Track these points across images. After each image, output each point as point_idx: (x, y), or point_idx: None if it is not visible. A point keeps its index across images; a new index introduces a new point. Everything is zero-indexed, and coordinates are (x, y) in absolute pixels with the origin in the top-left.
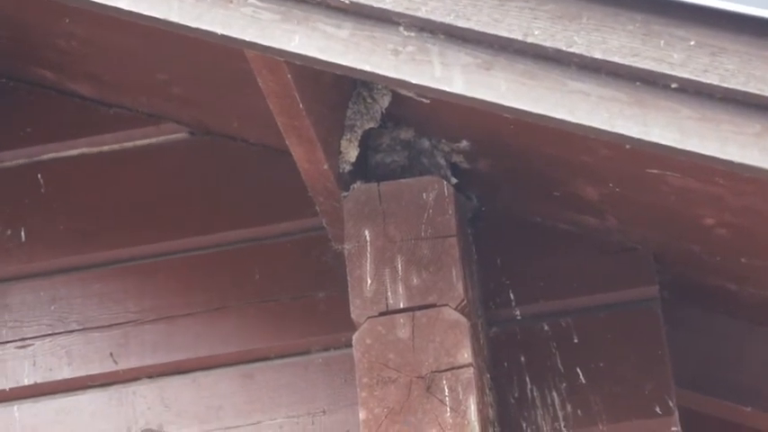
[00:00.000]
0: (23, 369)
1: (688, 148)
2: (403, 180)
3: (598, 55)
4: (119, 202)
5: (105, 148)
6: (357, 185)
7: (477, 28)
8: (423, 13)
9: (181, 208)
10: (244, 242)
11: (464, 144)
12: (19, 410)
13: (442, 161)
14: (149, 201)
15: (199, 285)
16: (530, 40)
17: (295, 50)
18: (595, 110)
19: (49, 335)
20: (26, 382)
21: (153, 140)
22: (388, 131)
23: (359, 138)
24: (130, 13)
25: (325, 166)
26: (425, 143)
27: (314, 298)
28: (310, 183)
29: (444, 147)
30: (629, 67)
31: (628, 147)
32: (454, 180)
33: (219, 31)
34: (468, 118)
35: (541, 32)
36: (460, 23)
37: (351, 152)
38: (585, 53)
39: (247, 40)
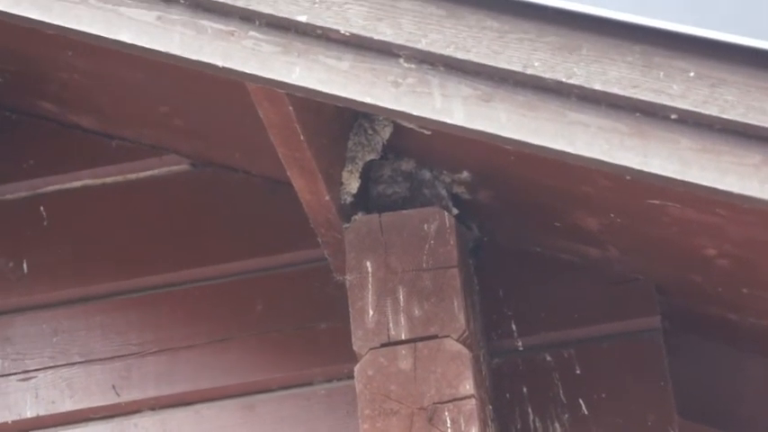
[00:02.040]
0: (26, 402)
1: (688, 179)
2: (404, 211)
3: (598, 86)
4: (121, 234)
5: (108, 179)
6: (358, 217)
7: (476, 60)
8: (423, 45)
9: (183, 239)
10: (246, 273)
11: (465, 175)
12: None
13: (444, 192)
14: (152, 232)
15: (201, 317)
16: (529, 71)
17: (296, 83)
18: (595, 141)
19: (51, 367)
20: (29, 414)
21: (155, 172)
22: (390, 163)
23: (360, 169)
24: (132, 45)
25: (327, 198)
26: (426, 174)
27: (316, 329)
28: (312, 214)
29: (445, 178)
30: (629, 99)
31: (628, 178)
32: (455, 211)
33: (221, 63)
34: (469, 149)
35: (541, 64)
36: (460, 55)
37: (352, 183)
38: (585, 84)
39: (248, 72)
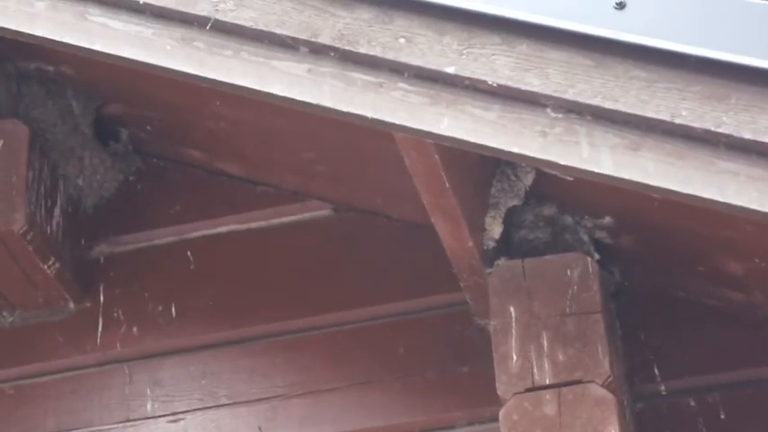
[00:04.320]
0: None
1: None
2: (547, 257)
3: (747, 135)
4: (266, 279)
5: (253, 225)
6: (501, 262)
7: (624, 109)
8: (570, 95)
9: (325, 283)
10: (388, 317)
11: (607, 220)
12: None
13: (585, 237)
14: (295, 277)
15: (344, 360)
16: (678, 121)
17: (444, 133)
18: (745, 189)
19: (200, 409)
20: None
21: (298, 217)
22: (531, 208)
23: (503, 215)
24: (284, 98)
25: (470, 243)
26: (568, 219)
27: (458, 372)
28: (455, 259)
29: (587, 223)
30: None
31: None
32: (597, 255)
33: (370, 114)
34: (612, 195)
35: (689, 113)
36: (608, 105)
37: (495, 229)
38: (734, 133)
39: (397, 123)
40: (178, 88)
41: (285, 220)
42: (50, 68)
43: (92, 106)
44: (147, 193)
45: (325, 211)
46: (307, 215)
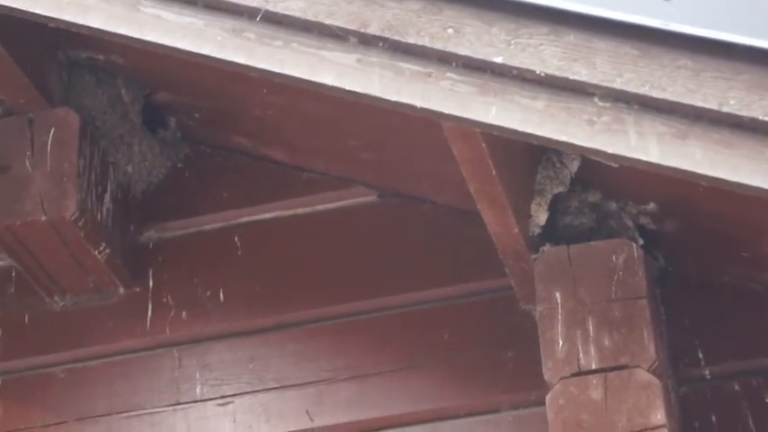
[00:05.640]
0: (224, 426)
1: None
2: (592, 243)
3: None
4: (311, 264)
5: (299, 211)
6: (546, 248)
7: (671, 98)
8: (618, 84)
9: (371, 268)
10: (433, 302)
11: (651, 206)
12: None
13: (630, 223)
14: (340, 262)
15: (389, 344)
16: (725, 109)
17: (493, 122)
18: None
19: (248, 392)
20: None
21: (343, 203)
22: (576, 194)
23: (548, 201)
24: (334, 87)
25: (516, 230)
26: (613, 205)
27: (502, 357)
28: (500, 245)
29: (631, 209)
30: None
31: None
32: (641, 241)
33: (419, 104)
34: (656, 181)
35: (737, 102)
36: (655, 94)
37: (540, 216)
38: None
39: (446, 112)
40: (226, 77)
41: (331, 206)
42: (101, 57)
43: (141, 94)
44: (195, 179)
45: (371, 198)
46: (352, 201)
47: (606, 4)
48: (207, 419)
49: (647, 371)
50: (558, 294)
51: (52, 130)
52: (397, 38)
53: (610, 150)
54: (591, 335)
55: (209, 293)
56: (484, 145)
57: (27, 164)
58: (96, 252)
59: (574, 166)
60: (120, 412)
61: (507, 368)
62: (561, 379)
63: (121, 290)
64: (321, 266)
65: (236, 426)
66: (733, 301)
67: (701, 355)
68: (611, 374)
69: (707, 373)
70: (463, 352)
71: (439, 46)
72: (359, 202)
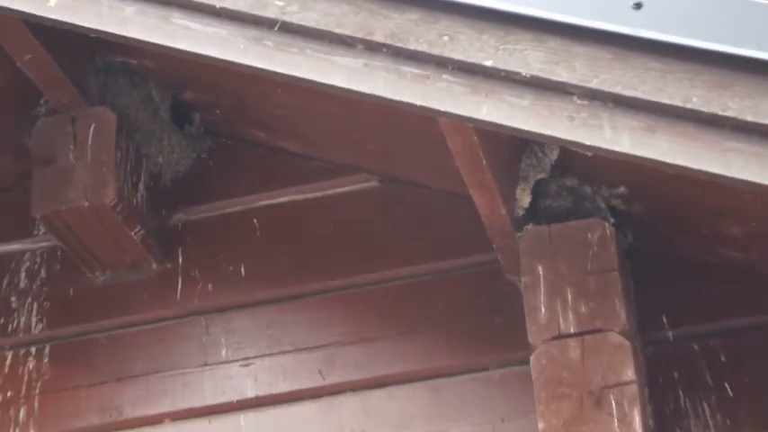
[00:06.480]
0: (246, 384)
1: None
2: (570, 222)
3: (750, 118)
4: (321, 242)
5: (310, 195)
6: (530, 227)
7: (642, 96)
8: (594, 84)
9: (374, 245)
10: (429, 275)
11: (622, 190)
12: (245, 419)
13: (602, 204)
14: (347, 240)
15: (392, 312)
16: (689, 106)
17: (484, 118)
18: (748, 165)
19: (268, 355)
20: (249, 395)
21: (349, 188)
22: (555, 180)
23: (531, 186)
24: (343, 89)
25: (503, 212)
26: (587, 189)
27: (491, 322)
28: (489, 225)
29: (604, 192)
30: None
31: None
32: (612, 221)
33: (419, 102)
34: (626, 168)
35: (699, 99)
36: (627, 93)
37: (524, 199)
38: (739, 116)
39: (442, 109)
40: (244, 78)
41: (338, 190)
42: (134, 62)
43: (169, 94)
44: (218, 168)
45: (373, 183)
46: (357, 186)
47: (583, 13)
48: (231, 378)
49: (619, 334)
50: (540, 268)
51: (92, 127)
52: (399, 45)
53: (587, 143)
54: (569, 303)
55: (231, 268)
56: (475, 138)
57: (70, 156)
58: (132, 233)
59: (554, 155)
60: (156, 372)
61: (495, 332)
62: (543, 341)
63: (155, 266)
64: (330, 244)
65: (258, 384)
66: (692, 273)
67: (664, 320)
68: (587, 337)
69: (670, 335)
70: (456, 318)
71: (436, 51)
72: (363, 187)
